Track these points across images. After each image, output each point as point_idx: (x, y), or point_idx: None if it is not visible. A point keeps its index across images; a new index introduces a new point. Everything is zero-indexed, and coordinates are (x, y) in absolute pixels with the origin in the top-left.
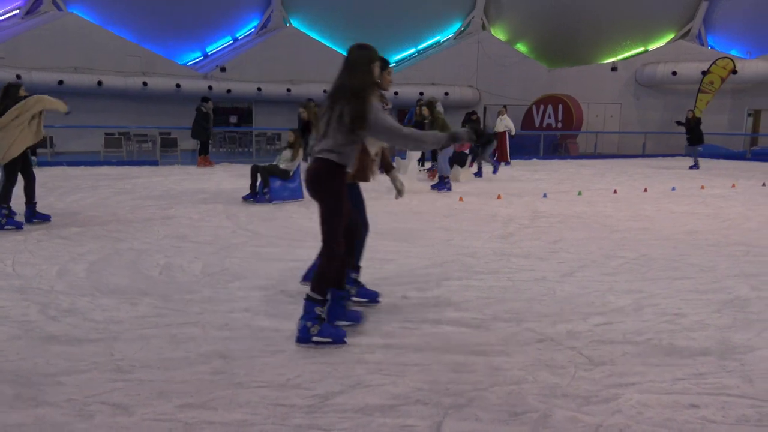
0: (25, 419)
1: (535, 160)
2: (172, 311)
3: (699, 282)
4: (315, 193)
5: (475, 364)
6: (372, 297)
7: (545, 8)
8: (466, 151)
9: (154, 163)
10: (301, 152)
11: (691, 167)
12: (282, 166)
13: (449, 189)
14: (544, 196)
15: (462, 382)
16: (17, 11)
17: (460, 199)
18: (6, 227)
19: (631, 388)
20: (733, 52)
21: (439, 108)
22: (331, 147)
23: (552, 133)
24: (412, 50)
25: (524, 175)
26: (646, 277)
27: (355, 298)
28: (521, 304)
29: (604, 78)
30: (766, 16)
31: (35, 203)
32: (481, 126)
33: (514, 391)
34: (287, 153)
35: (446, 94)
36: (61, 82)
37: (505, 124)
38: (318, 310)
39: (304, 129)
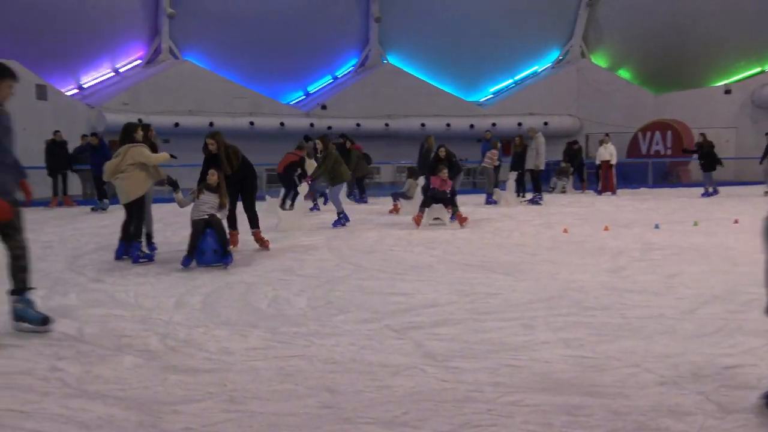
0: None
1: (643, 189)
2: (280, 343)
3: None
4: None
5: (591, 407)
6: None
7: (649, 31)
8: (447, 191)
9: (261, 197)
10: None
11: (704, 195)
12: (217, 214)
13: (344, 224)
14: (656, 227)
15: (578, 426)
16: (139, 61)
17: (565, 230)
18: (141, 261)
19: None
20: None
21: (540, 139)
22: None
23: (661, 160)
24: (509, 81)
25: (632, 205)
26: None
27: None
28: (638, 343)
29: (717, 101)
30: None
31: (140, 241)
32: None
33: None
34: (210, 198)
35: (545, 123)
36: (177, 125)
37: (610, 152)
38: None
39: (208, 162)
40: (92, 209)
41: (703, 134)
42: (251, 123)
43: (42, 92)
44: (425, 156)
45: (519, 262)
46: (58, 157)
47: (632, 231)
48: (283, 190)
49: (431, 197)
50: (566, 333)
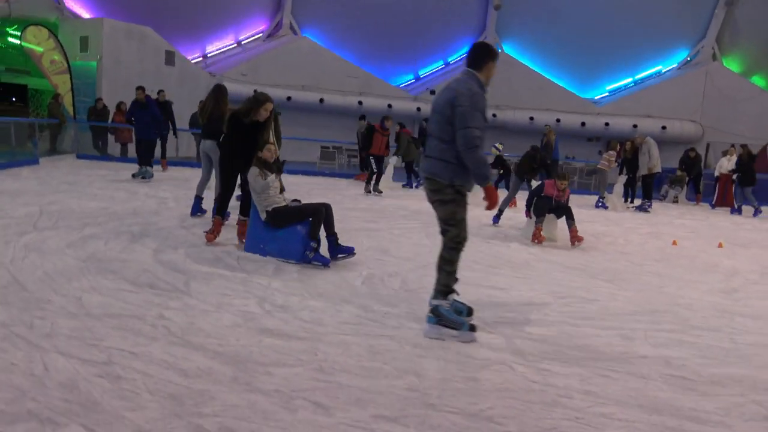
0: (239, 401)
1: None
2: (371, 321)
3: None
4: None
5: None
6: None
7: None
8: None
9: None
10: None
11: (753, 213)
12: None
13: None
14: None
15: None
16: (261, 35)
17: (674, 242)
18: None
19: None
20: None
21: (651, 141)
22: None
23: None
24: (629, 80)
25: (751, 224)
26: None
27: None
28: (747, 372)
29: None
30: None
31: None
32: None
33: None
34: (272, 179)
35: (663, 128)
36: (289, 98)
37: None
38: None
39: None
40: (133, 176)
41: (744, 146)
42: (360, 102)
43: (170, 58)
44: (545, 151)
45: (622, 270)
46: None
47: (750, 251)
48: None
49: (548, 208)
50: (668, 350)
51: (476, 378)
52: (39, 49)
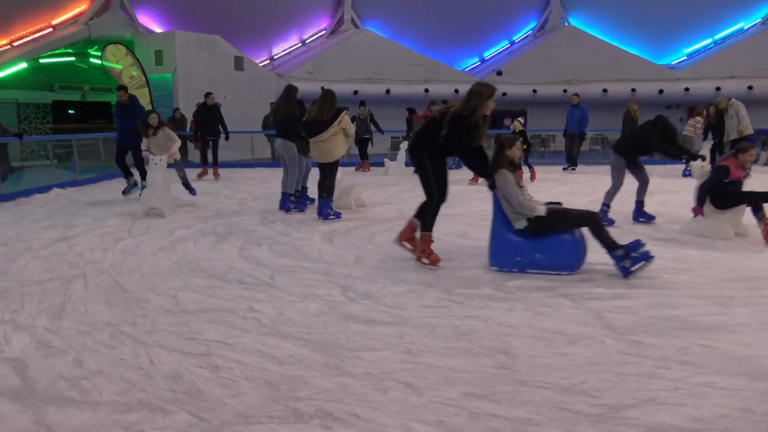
0: (331, 385)
1: None
2: (455, 303)
3: None
4: None
5: None
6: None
7: None
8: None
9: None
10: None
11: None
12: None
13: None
14: None
15: None
16: (323, 32)
17: None
18: (330, 217)
19: None
20: None
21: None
22: None
23: None
24: (708, 41)
25: None
26: None
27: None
28: None
29: None
30: None
31: (331, 200)
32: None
33: None
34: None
35: (750, 87)
36: (355, 92)
37: None
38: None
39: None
40: (124, 193)
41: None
42: (426, 90)
43: (239, 63)
44: (629, 127)
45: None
46: (209, 122)
47: None
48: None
49: (741, 194)
50: None
51: (566, 353)
52: (118, 66)
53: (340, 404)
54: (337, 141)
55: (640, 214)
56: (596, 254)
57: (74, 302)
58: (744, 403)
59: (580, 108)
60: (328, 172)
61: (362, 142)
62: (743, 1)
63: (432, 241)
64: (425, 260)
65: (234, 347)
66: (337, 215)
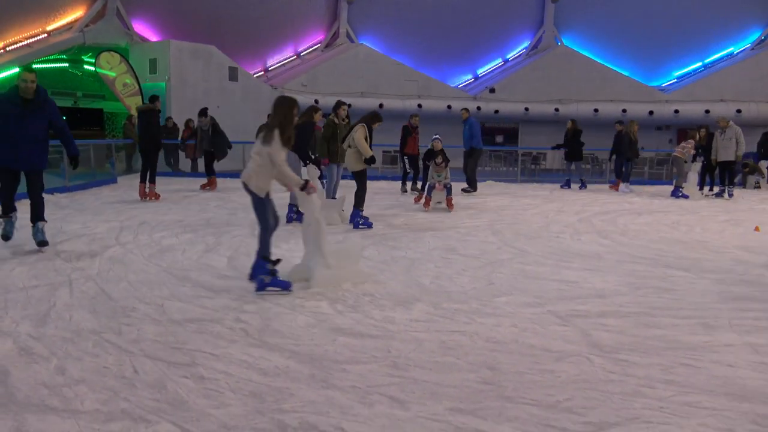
0: (317, 398)
1: None
2: (442, 318)
3: None
4: None
5: None
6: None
7: None
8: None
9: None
10: None
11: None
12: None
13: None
14: None
15: None
16: (318, 45)
17: (756, 228)
18: (360, 226)
19: None
20: None
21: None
22: None
23: None
24: (698, 64)
25: None
26: None
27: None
28: None
29: None
30: None
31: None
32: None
33: None
34: None
35: (738, 111)
36: (349, 105)
37: None
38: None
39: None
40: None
41: (572, 120)
42: (419, 105)
43: (234, 74)
44: (626, 147)
45: (700, 258)
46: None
47: None
48: (411, 173)
49: None
50: (755, 337)
51: (552, 370)
52: (112, 74)
53: (325, 417)
54: (355, 152)
55: None
56: (577, 272)
57: (59, 309)
58: (727, 423)
59: (467, 122)
60: (359, 181)
61: (207, 154)
62: (733, 26)
63: None
64: None
65: (220, 358)
66: (368, 224)
